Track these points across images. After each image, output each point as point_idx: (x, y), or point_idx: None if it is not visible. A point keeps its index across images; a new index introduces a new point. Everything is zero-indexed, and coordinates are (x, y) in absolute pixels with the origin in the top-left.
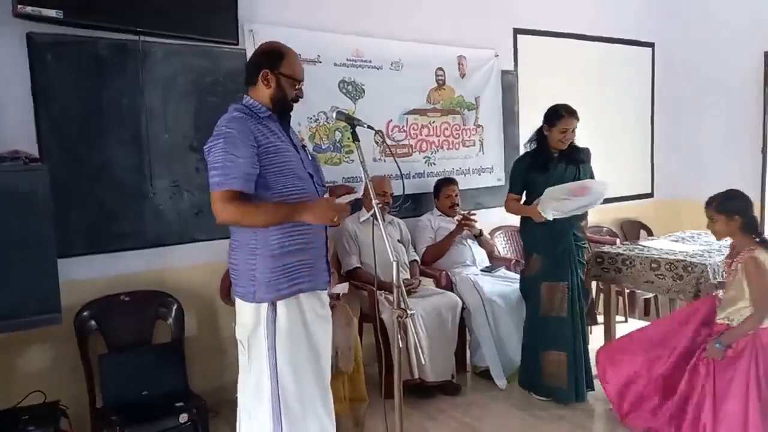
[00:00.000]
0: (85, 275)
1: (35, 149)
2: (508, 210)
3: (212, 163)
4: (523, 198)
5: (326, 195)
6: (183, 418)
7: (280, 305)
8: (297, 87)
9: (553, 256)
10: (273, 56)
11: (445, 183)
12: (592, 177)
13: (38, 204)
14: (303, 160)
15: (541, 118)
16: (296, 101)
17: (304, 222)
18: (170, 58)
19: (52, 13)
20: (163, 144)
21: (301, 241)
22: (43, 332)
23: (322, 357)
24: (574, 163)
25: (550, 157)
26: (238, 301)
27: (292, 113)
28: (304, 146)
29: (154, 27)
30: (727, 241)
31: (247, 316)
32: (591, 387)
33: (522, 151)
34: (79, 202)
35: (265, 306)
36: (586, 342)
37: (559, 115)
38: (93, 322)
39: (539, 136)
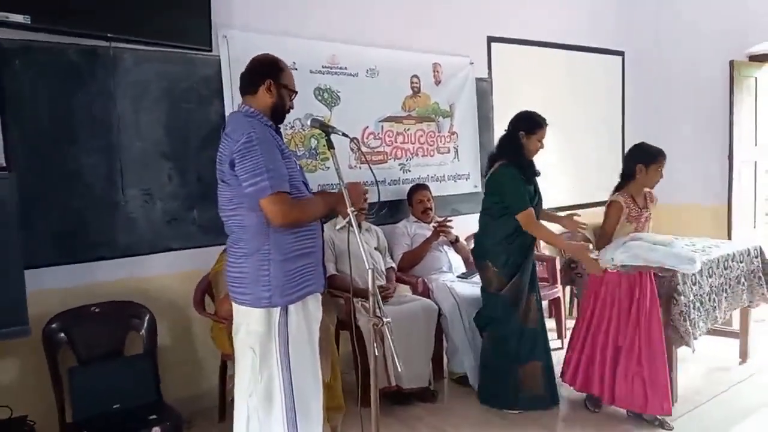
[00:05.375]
0: (54, 285)
1: (1, 157)
2: (534, 228)
3: (253, 169)
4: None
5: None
6: (156, 431)
7: (291, 309)
8: (292, 98)
9: (527, 271)
10: (275, 68)
11: (418, 189)
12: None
13: (4, 212)
14: (297, 168)
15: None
16: (289, 111)
17: (310, 225)
18: (142, 64)
19: (19, 18)
20: (135, 151)
21: (309, 244)
22: (10, 345)
23: (318, 361)
24: (534, 175)
25: (532, 168)
26: (244, 309)
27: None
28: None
29: (125, 33)
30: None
31: (258, 322)
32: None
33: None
34: (48, 210)
35: (277, 310)
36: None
37: (538, 123)
38: (62, 334)
39: (514, 143)
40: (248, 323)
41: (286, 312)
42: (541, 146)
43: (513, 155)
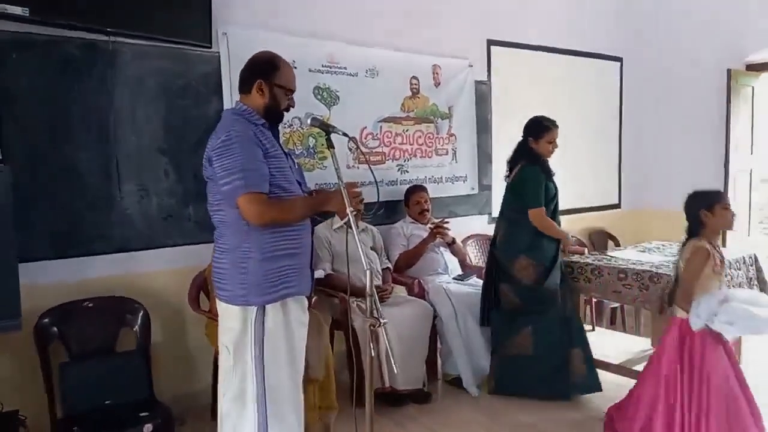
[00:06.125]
0: (47, 280)
1: None
2: (543, 225)
3: (229, 167)
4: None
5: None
6: (148, 428)
7: (269, 309)
8: (289, 97)
9: (557, 264)
10: (268, 67)
11: (415, 190)
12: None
13: None
14: (291, 167)
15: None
16: (288, 110)
17: (295, 225)
18: (141, 59)
19: (17, 10)
20: (132, 147)
21: (291, 245)
22: (2, 339)
23: (299, 364)
24: (551, 175)
25: (550, 169)
26: (223, 305)
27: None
28: (289, 154)
29: (124, 27)
30: None
31: (234, 320)
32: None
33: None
34: (43, 204)
35: (253, 309)
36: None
37: (545, 127)
38: (54, 329)
39: (528, 151)
40: (226, 319)
41: (263, 312)
42: (554, 147)
43: (529, 158)
